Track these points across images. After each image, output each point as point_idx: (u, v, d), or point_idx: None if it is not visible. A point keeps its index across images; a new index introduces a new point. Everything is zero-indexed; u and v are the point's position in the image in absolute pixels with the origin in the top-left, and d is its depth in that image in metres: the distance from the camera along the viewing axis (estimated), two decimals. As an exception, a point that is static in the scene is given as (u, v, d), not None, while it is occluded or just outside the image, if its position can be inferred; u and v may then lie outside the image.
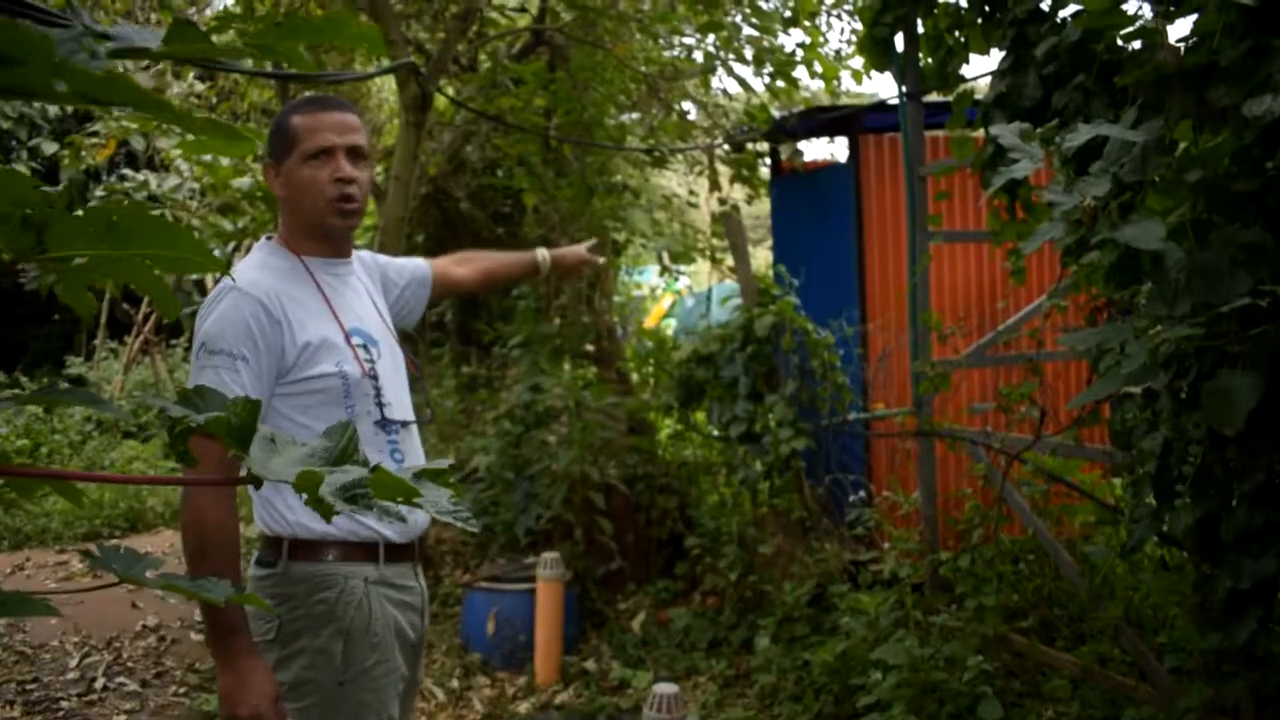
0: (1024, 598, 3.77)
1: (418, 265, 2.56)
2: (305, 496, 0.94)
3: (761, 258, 10.51)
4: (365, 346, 2.17)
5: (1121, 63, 3.30)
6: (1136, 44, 3.28)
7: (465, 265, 2.69)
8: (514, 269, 2.81)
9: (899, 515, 4.24)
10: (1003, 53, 3.90)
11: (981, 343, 4.48)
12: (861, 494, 4.27)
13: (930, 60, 4.54)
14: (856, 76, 5.71)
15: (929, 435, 4.12)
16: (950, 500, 4.50)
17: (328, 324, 2.12)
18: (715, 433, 5.32)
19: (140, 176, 8.44)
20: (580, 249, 2.90)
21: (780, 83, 5.92)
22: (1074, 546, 3.84)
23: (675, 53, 7.14)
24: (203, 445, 1.12)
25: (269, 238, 2.24)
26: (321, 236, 2.21)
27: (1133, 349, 2.23)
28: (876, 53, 4.66)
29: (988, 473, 3.84)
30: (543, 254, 2.79)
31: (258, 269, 2.12)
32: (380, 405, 2.16)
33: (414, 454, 2.24)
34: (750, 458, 4.96)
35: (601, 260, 2.95)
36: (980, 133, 4.20)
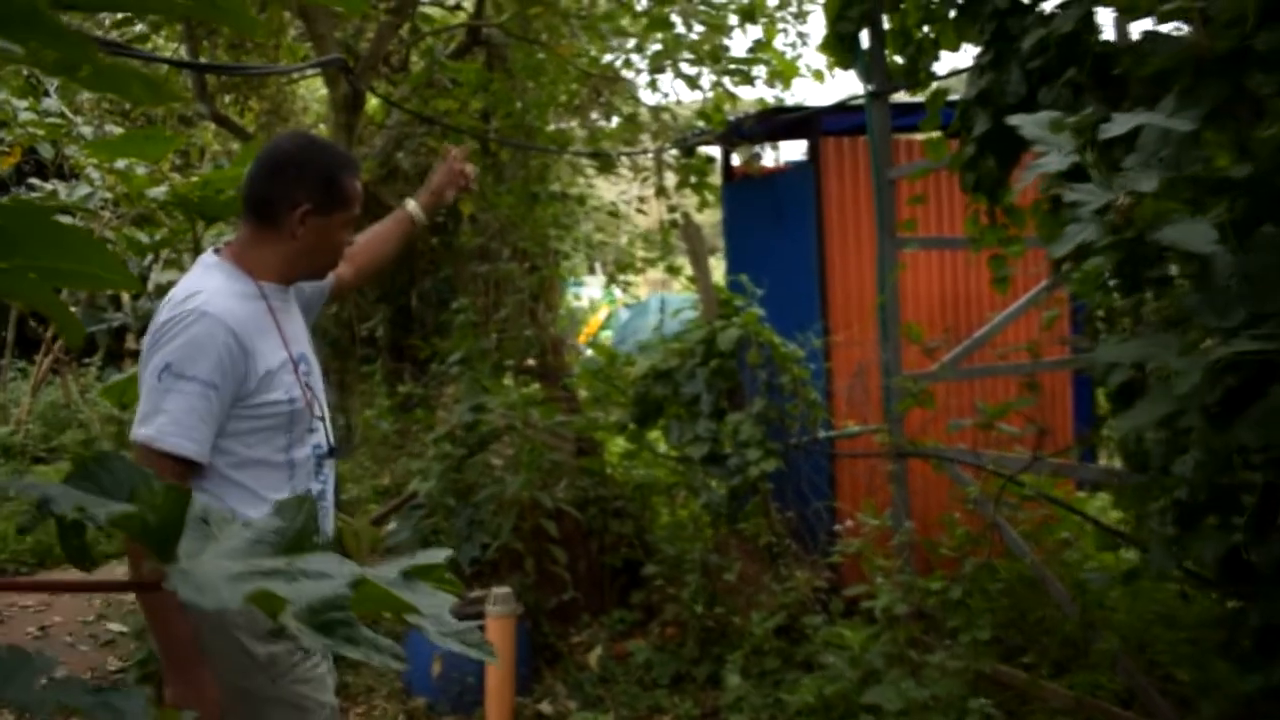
0: (1021, 631, 3.53)
1: None
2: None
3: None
4: (308, 374, 2.24)
5: (1115, 55, 3.09)
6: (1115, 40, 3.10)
7: (349, 263, 2.57)
8: (390, 241, 2.70)
9: (889, 544, 3.97)
10: (978, 48, 3.69)
11: (956, 353, 4.25)
12: (849, 522, 3.99)
13: (898, 58, 4.31)
14: (818, 76, 5.48)
15: (915, 456, 3.87)
16: (929, 524, 4.26)
17: (280, 352, 2.17)
18: (674, 453, 5.02)
19: (49, 186, 7.92)
20: (441, 169, 2.73)
21: (734, 82, 5.66)
22: (1067, 572, 3.62)
23: (615, 57, 6.87)
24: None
25: (216, 251, 2.23)
26: (297, 279, 2.29)
27: (1180, 365, 1.97)
28: (841, 50, 4.42)
29: (979, 496, 3.59)
30: (412, 206, 2.71)
31: (226, 295, 2.11)
32: (314, 431, 2.23)
33: (333, 479, 2.33)
34: (712, 479, 4.67)
35: (473, 169, 2.78)
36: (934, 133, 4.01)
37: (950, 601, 3.41)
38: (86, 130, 7.71)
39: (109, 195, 7.58)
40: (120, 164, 6.22)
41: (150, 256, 8.94)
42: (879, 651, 3.43)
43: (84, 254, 0.89)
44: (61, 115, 7.68)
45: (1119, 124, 2.02)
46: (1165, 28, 2.85)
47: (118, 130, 7.71)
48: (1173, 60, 2.41)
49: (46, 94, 8.16)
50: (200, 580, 0.72)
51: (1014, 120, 2.20)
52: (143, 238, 7.06)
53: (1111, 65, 3.12)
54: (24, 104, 7.29)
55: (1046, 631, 3.60)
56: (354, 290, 3.12)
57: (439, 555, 0.85)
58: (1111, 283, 3.20)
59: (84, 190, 7.63)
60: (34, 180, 8.58)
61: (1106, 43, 3.23)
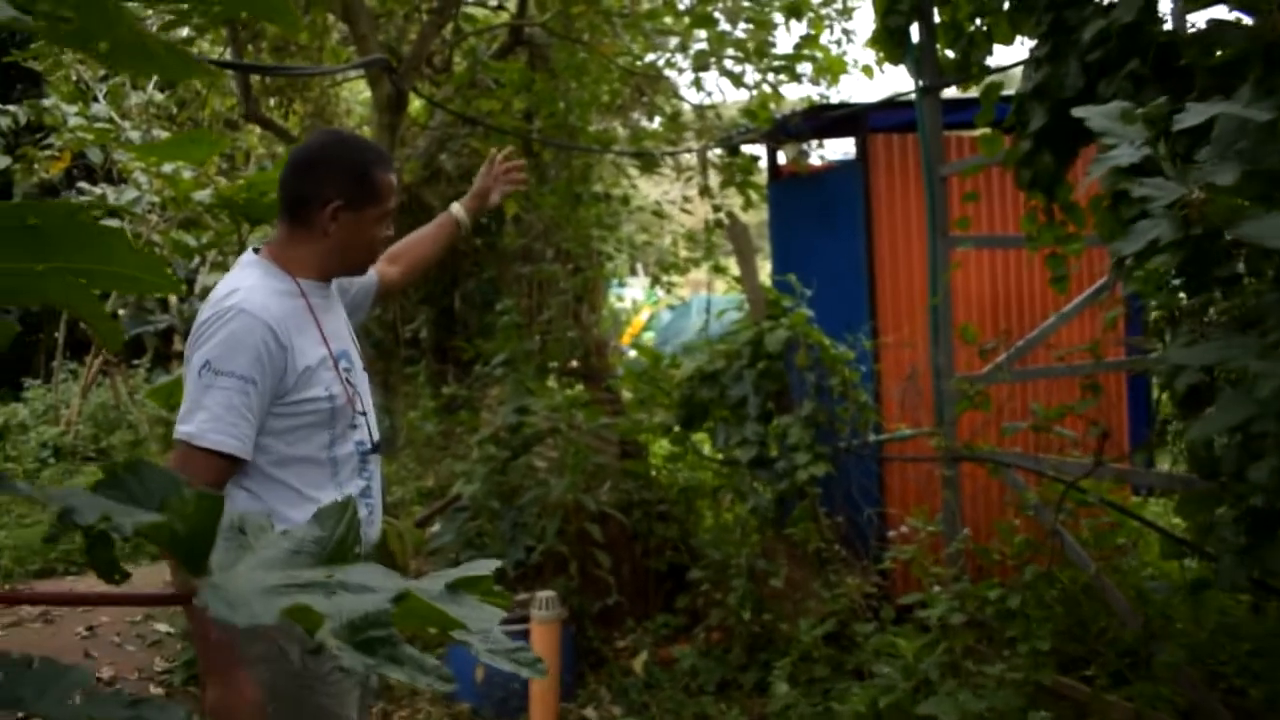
0: (1081, 642, 3.41)
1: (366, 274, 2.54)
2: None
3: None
4: (349, 370, 2.23)
5: (1179, 45, 2.99)
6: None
7: (394, 264, 2.64)
8: (435, 243, 2.75)
9: (941, 551, 3.87)
10: (1033, 41, 3.59)
11: (1010, 354, 4.14)
12: (902, 528, 3.89)
13: (949, 52, 4.21)
14: (867, 72, 5.38)
15: (972, 460, 3.76)
16: (981, 531, 4.15)
17: (320, 348, 2.16)
18: (719, 456, 4.93)
19: (98, 190, 8.00)
20: (484, 173, 2.78)
21: (779, 80, 5.57)
22: (1126, 580, 3.50)
23: (659, 56, 6.80)
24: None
25: (256, 250, 2.24)
26: (334, 275, 2.29)
27: (1260, 368, 1.87)
28: (890, 44, 4.33)
29: (1038, 503, 3.48)
30: (456, 209, 2.75)
31: (263, 292, 2.12)
32: (357, 428, 2.22)
33: (379, 476, 2.32)
34: (759, 483, 4.58)
35: (520, 162, 2.81)
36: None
37: (1007, 610, 3.31)
38: (134, 135, 7.77)
39: (156, 199, 7.64)
40: (167, 168, 6.26)
41: (197, 259, 9.01)
42: (933, 661, 3.33)
43: (121, 256, 0.85)
44: (110, 120, 7.75)
45: (1194, 114, 1.92)
46: (1229, 16, 2.75)
47: (164, 135, 7.77)
48: (1242, 49, 2.31)
49: (95, 99, 8.25)
50: (233, 594, 0.68)
51: (1080, 112, 2.11)
52: (189, 240, 7.10)
53: (1175, 56, 3.01)
54: (73, 109, 7.36)
55: (1107, 642, 3.48)
56: (400, 292, 3.11)
57: (486, 566, 0.79)
58: (1176, 282, 3.09)
59: (132, 194, 7.70)
60: (83, 184, 8.67)
61: (1169, 33, 3.12)
